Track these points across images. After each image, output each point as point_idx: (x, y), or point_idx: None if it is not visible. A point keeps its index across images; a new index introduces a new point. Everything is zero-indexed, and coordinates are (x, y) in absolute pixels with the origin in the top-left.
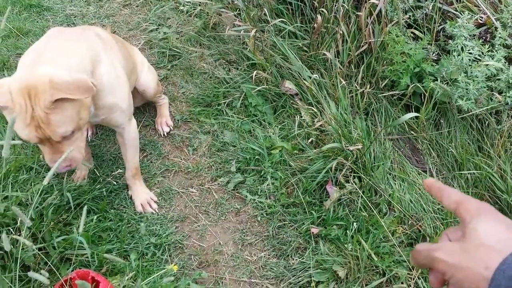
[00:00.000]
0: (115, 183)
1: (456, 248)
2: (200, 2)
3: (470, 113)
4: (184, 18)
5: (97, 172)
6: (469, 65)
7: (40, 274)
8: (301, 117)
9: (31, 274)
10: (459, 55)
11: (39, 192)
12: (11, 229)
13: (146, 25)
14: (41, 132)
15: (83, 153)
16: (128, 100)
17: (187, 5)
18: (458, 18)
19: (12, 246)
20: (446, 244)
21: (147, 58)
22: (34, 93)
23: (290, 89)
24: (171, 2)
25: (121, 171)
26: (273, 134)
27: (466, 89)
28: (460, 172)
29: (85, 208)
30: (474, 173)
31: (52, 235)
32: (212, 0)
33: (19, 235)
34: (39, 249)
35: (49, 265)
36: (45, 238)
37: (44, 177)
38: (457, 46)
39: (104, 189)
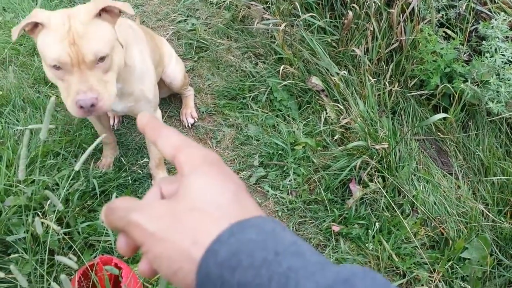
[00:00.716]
0: (140, 172)
1: (162, 210)
2: None
3: (500, 116)
4: (213, 10)
5: (123, 160)
6: (502, 67)
7: (69, 258)
8: (327, 113)
9: (59, 258)
10: (491, 56)
11: (66, 178)
12: (38, 213)
13: (174, 16)
14: (74, 50)
15: (112, 98)
16: (154, 90)
17: None
18: (492, 18)
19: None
20: (151, 205)
21: (174, 49)
22: (73, 13)
23: (316, 85)
24: None
25: (146, 160)
26: (297, 129)
27: (497, 91)
28: (486, 177)
29: (114, 194)
30: (501, 178)
31: (77, 221)
32: None
33: (46, 219)
34: (64, 233)
35: (73, 250)
36: (70, 224)
37: (71, 163)
38: (490, 48)
39: (129, 178)
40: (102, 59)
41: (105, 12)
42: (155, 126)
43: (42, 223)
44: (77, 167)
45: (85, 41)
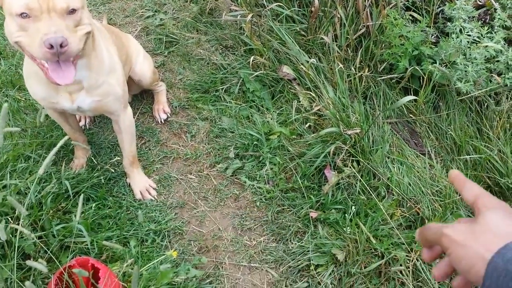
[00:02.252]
0: (113, 170)
1: (464, 228)
2: None
3: (469, 95)
4: (181, 4)
5: (94, 160)
6: (468, 47)
7: (39, 262)
8: (299, 102)
9: (30, 263)
10: (457, 37)
11: (38, 181)
12: (10, 218)
13: (142, 12)
14: None
15: (80, 46)
16: (123, 86)
17: None
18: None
19: (11, 235)
20: (456, 224)
21: (143, 45)
22: None
23: (287, 74)
24: None
25: (118, 158)
26: (271, 119)
27: (465, 71)
28: (459, 156)
29: (81, 196)
30: (473, 156)
31: (52, 223)
32: None
33: (18, 224)
34: (39, 237)
35: (49, 253)
36: (44, 227)
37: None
38: (455, 28)
39: (102, 177)
40: (73, 11)
41: None
42: (462, 179)
43: (16, 229)
44: (40, 171)
45: None
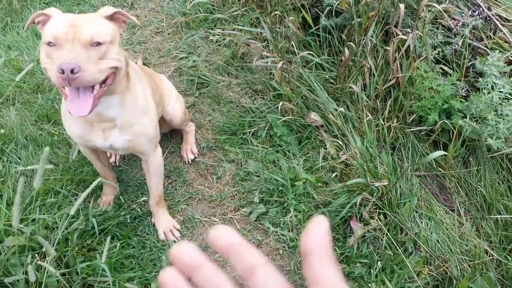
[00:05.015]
0: (139, 210)
1: None
2: (230, 33)
3: (500, 153)
4: (214, 47)
5: (122, 198)
6: (500, 104)
7: None
8: (326, 149)
9: None
10: (489, 93)
11: (66, 217)
12: (37, 254)
13: (176, 53)
14: (73, 30)
15: (98, 77)
16: (156, 127)
17: (217, 35)
18: (489, 54)
19: (36, 271)
20: None
21: (176, 85)
22: (81, 15)
23: (315, 120)
24: (202, 31)
25: (145, 198)
26: (297, 165)
27: (496, 127)
28: (489, 214)
29: (108, 238)
30: (504, 216)
31: (76, 260)
32: (241, 31)
33: (44, 260)
34: (62, 274)
35: None
36: (69, 263)
37: (71, 201)
38: (487, 84)
39: (128, 216)
40: (98, 44)
41: (111, 20)
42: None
43: (40, 264)
44: (72, 211)
45: (86, 24)
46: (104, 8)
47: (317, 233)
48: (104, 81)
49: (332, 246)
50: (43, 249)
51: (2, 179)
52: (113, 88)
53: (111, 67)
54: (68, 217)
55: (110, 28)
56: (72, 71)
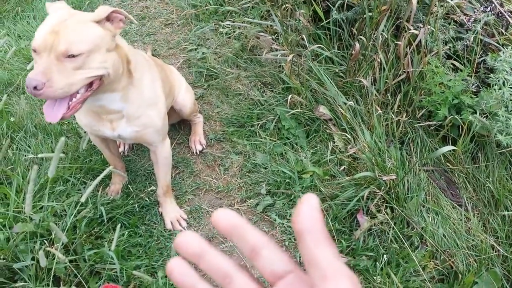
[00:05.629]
0: (147, 199)
1: None
2: (240, 25)
3: (510, 149)
4: (223, 40)
5: (130, 188)
6: (510, 100)
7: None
8: (334, 143)
9: None
10: (500, 89)
11: (75, 205)
12: (45, 240)
13: (185, 45)
14: (52, 38)
15: (71, 88)
16: (164, 119)
17: (227, 27)
18: (500, 50)
19: (45, 258)
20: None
21: (184, 77)
22: (77, 12)
23: (324, 114)
24: (211, 24)
25: (153, 188)
26: (304, 158)
27: (506, 123)
28: (497, 210)
29: (118, 226)
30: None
31: (84, 248)
32: (251, 23)
33: (52, 247)
34: (70, 261)
35: (79, 278)
36: (76, 251)
37: (80, 189)
38: (498, 80)
39: (136, 205)
40: (73, 56)
41: (108, 21)
42: (321, 228)
43: (49, 251)
44: (83, 198)
45: (65, 33)
46: (99, 8)
47: (308, 211)
48: (90, 85)
49: (338, 238)
50: (52, 236)
51: (12, 167)
52: (111, 87)
53: (91, 77)
54: (77, 205)
55: (95, 35)
56: (35, 88)
